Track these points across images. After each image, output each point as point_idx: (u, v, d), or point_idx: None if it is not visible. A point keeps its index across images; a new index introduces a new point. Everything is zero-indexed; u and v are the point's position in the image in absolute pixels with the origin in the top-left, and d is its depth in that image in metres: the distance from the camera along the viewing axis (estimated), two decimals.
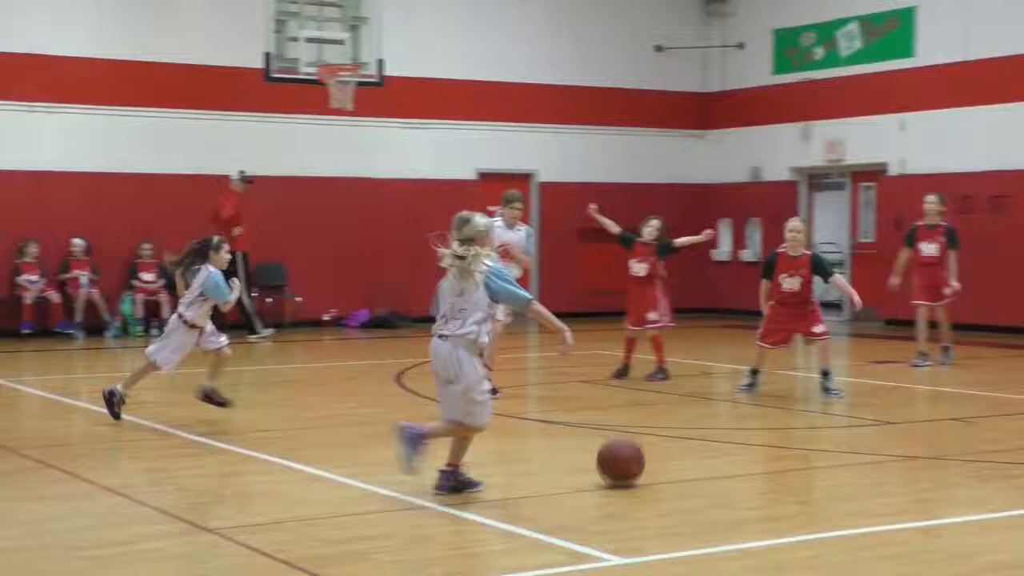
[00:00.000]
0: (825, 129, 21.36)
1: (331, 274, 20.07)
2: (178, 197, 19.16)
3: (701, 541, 6.85)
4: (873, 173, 20.90)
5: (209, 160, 19.42)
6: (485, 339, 7.76)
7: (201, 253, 10.78)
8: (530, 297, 7.89)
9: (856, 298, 12.20)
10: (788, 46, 22.00)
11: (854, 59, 20.90)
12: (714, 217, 23.11)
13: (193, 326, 10.58)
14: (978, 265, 16.23)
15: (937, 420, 11.37)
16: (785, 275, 12.17)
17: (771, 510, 7.66)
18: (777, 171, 22.31)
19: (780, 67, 22.16)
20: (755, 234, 22.72)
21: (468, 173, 21.52)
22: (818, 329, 12.26)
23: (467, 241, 7.72)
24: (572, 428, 10.65)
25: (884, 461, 9.30)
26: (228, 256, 10.90)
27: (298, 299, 20.00)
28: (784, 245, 12.33)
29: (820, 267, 12.27)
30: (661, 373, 13.44)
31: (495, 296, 7.72)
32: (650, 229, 13.60)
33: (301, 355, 17.46)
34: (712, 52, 23.21)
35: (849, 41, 21.00)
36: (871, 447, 10.01)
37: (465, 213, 7.88)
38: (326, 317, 20.23)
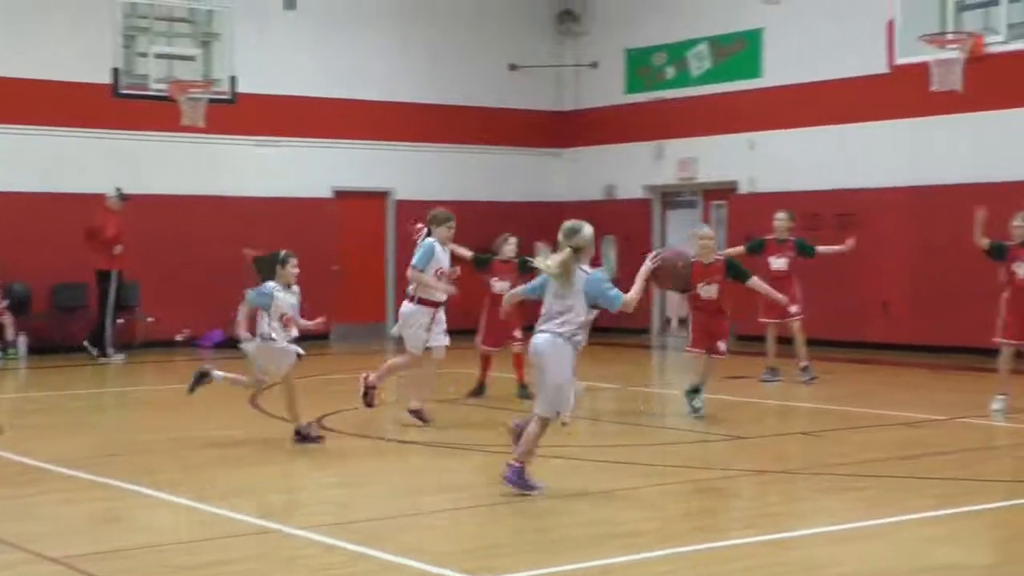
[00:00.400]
0: (677, 148, 21.70)
1: (184, 294, 19.71)
2: (23, 215, 18.66)
3: (558, 558, 6.87)
4: (724, 191, 21.30)
5: (55, 178, 18.96)
6: (580, 338, 8.31)
7: (269, 268, 10.54)
8: (622, 299, 8.37)
9: (778, 296, 12.68)
10: (640, 65, 22.32)
11: (704, 79, 21.29)
12: None
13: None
14: (824, 281, 16.61)
15: (786, 434, 11.59)
16: (702, 283, 12.16)
17: (628, 526, 7.70)
18: (631, 189, 22.59)
19: (632, 86, 22.47)
20: (610, 251, 22.94)
21: (323, 191, 21.36)
22: (722, 347, 12.33)
23: (577, 250, 8.30)
24: (425, 448, 10.61)
25: (735, 476, 9.45)
26: (295, 270, 10.59)
27: (150, 319, 19.61)
28: (697, 254, 12.15)
29: (735, 271, 12.33)
30: (523, 391, 13.44)
31: (592, 301, 8.35)
32: (510, 246, 13.60)
33: (152, 377, 17.12)
34: (566, 71, 23.43)
35: (699, 61, 21.40)
36: (723, 462, 10.16)
37: (575, 223, 8.45)
38: (179, 337, 19.86)
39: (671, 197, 22.70)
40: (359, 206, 21.61)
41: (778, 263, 14.93)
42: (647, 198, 22.55)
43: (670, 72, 21.86)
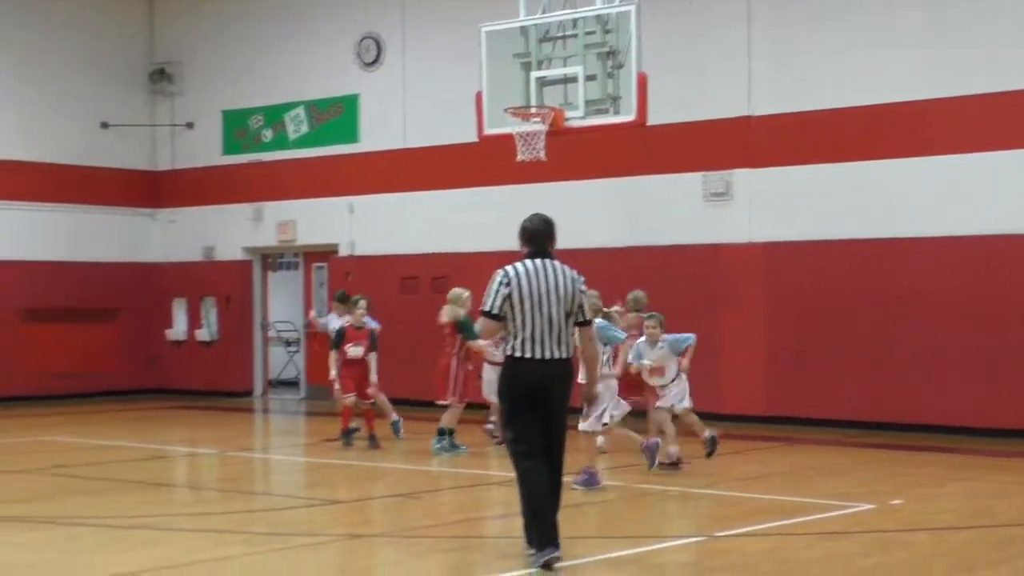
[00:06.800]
0: (276, 210, 21.69)
1: None
2: None
3: None
4: (324, 253, 21.44)
5: None
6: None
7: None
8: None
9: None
10: (237, 127, 22.22)
11: (302, 142, 21.43)
12: (167, 296, 22.84)
13: None
14: (418, 342, 16.95)
15: (382, 497, 11.72)
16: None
17: None
18: (231, 250, 22.38)
19: (230, 148, 22.32)
20: (210, 313, 22.63)
21: None
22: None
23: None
24: (1, 522, 10.09)
25: (327, 541, 9.49)
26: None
27: None
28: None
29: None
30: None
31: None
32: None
33: None
34: (161, 130, 23.01)
35: (296, 125, 21.52)
36: (317, 527, 10.19)
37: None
38: None
39: (272, 259, 22.68)
40: None
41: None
42: (247, 260, 22.41)
43: (268, 134, 21.87)
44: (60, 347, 21.48)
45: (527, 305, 8.20)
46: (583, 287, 8.41)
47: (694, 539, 9.17)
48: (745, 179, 17.22)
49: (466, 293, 14.15)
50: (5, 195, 21.12)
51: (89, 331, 22.06)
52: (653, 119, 14.13)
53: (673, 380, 12.61)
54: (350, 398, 14.53)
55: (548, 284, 8.25)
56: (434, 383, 14.34)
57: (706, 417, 16.62)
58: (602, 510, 10.73)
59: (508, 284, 8.26)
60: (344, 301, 15.90)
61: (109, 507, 10.84)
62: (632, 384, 13.31)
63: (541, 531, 7.99)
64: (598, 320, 11.09)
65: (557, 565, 7.88)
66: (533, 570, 7.84)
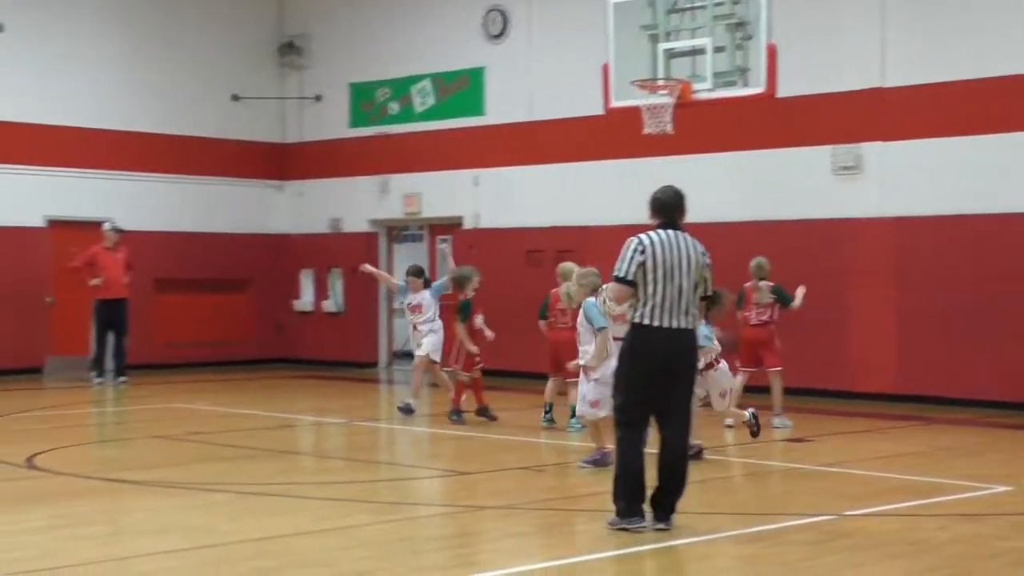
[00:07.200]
0: (402, 182, 21.85)
1: None
2: None
3: None
4: (449, 226, 21.54)
5: None
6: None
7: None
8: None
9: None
10: (364, 100, 22.39)
11: (428, 115, 21.52)
12: (295, 267, 23.17)
13: None
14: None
15: (506, 469, 11.77)
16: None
17: (340, 567, 7.69)
18: (357, 222, 22.61)
19: (357, 120, 22.51)
20: (337, 284, 22.91)
21: (36, 220, 20.56)
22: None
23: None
24: (141, 487, 10.34)
25: (453, 512, 9.56)
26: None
27: None
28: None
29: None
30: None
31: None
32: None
33: None
34: (289, 103, 23.29)
35: (423, 98, 21.62)
36: (443, 497, 10.26)
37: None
38: None
39: (397, 231, 22.86)
40: (74, 234, 20.77)
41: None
42: (373, 232, 22.61)
43: (394, 107, 22.01)
44: (192, 316, 21.96)
45: (659, 273, 8.37)
46: (708, 261, 8.56)
47: (822, 517, 9.06)
48: (876, 152, 16.88)
49: (577, 269, 13.65)
50: (140, 167, 21.58)
51: (220, 301, 22.50)
52: (782, 91, 13.97)
53: (714, 366, 11.43)
54: (467, 376, 14.41)
55: (679, 254, 8.43)
56: (557, 359, 13.95)
57: (833, 396, 16.54)
58: (729, 486, 10.65)
59: (643, 252, 8.42)
60: (419, 276, 15.24)
61: (243, 474, 11.06)
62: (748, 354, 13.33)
63: (630, 498, 8.37)
64: (588, 299, 10.97)
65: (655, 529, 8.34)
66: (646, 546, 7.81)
